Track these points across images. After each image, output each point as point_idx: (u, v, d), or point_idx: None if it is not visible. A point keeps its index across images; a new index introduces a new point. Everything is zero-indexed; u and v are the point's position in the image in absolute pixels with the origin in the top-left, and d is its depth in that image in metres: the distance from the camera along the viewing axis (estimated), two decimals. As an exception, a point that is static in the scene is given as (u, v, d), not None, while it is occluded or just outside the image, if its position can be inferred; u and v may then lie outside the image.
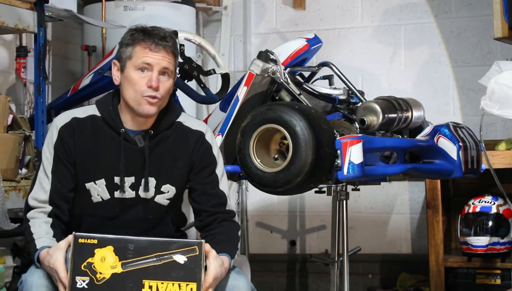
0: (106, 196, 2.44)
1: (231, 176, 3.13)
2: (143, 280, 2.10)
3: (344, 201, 3.38)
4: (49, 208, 2.40)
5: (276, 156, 2.86)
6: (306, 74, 3.42)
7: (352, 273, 3.56)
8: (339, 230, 3.40)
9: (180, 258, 2.13)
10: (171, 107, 2.52)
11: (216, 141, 2.58)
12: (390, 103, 3.09)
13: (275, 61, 3.06)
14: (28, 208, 2.42)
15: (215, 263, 2.23)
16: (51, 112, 3.67)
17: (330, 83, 3.30)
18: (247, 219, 4.96)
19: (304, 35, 3.38)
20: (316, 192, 3.32)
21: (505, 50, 4.42)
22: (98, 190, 2.43)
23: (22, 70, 4.09)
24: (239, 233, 2.51)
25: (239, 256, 4.55)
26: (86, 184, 2.44)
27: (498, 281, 3.99)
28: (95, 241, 2.11)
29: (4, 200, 3.17)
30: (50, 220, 2.39)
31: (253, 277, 4.34)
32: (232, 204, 2.55)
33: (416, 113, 3.17)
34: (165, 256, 2.12)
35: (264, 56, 3.06)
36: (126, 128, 2.45)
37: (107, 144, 2.44)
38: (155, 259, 2.12)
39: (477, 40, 4.63)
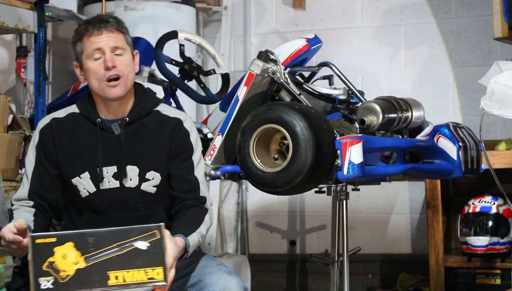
0: (92, 188, 2.46)
1: (231, 176, 3.14)
2: (108, 272, 2.06)
3: (344, 201, 3.37)
4: (31, 203, 2.46)
5: (276, 156, 2.86)
6: (306, 74, 3.41)
7: (352, 273, 3.55)
8: (339, 230, 3.40)
9: (142, 244, 2.08)
10: (148, 96, 2.56)
11: (195, 130, 2.60)
12: (390, 103, 3.09)
13: (275, 61, 3.06)
14: (12, 206, 2.49)
15: (169, 243, 2.17)
16: (51, 112, 3.67)
17: (330, 83, 3.30)
18: (247, 219, 4.96)
19: (304, 35, 3.38)
20: (316, 192, 3.32)
21: (505, 50, 4.42)
22: (83, 183, 2.46)
23: (22, 70, 4.09)
24: (206, 216, 2.49)
25: (239, 256, 4.55)
26: (72, 180, 2.47)
27: (498, 281, 3.99)
28: (54, 239, 2.06)
29: (4, 200, 3.17)
30: (34, 210, 2.45)
31: (253, 277, 4.34)
32: (205, 191, 2.55)
33: (416, 113, 3.17)
34: (127, 244, 2.08)
35: (264, 56, 3.06)
36: (103, 119, 2.49)
37: (86, 137, 2.48)
38: (117, 248, 2.07)
39: (477, 40, 4.63)
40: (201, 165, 2.58)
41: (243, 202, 4.94)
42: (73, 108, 2.54)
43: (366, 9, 4.87)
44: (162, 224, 2.12)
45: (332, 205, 3.45)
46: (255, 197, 4.95)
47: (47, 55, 4.24)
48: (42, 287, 2.03)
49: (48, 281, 2.03)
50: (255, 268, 4.50)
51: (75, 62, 2.51)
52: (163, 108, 2.57)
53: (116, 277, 2.06)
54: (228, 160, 3.15)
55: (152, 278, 2.07)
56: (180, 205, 2.50)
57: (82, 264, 2.05)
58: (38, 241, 2.05)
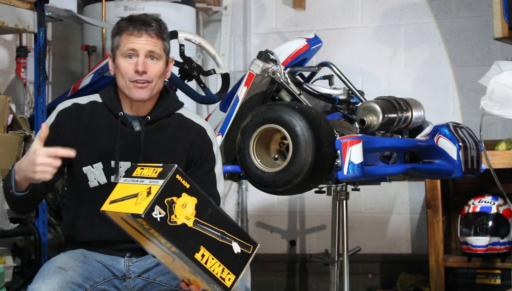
0: (103, 180, 2.44)
1: (231, 176, 3.13)
2: (201, 246, 2.06)
3: (344, 201, 3.37)
4: None
5: (276, 156, 2.86)
6: (306, 74, 3.42)
7: (352, 273, 3.56)
8: (339, 230, 3.40)
9: (236, 247, 2.11)
10: (172, 98, 2.55)
11: (216, 140, 2.59)
12: (390, 103, 3.09)
13: (275, 61, 3.06)
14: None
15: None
16: (51, 112, 3.67)
17: (330, 83, 3.30)
18: (247, 219, 4.96)
19: (304, 35, 3.38)
20: (316, 192, 3.32)
21: (505, 50, 4.42)
22: (95, 173, 2.44)
23: (22, 70, 4.09)
24: None
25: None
26: (83, 168, 2.44)
27: (498, 281, 3.99)
28: (188, 185, 2.06)
29: (4, 200, 3.17)
30: None
31: (253, 277, 4.34)
32: (223, 206, 2.55)
33: (416, 113, 3.17)
34: (227, 238, 2.10)
35: (264, 56, 3.06)
36: (125, 113, 2.48)
37: (105, 128, 2.46)
38: (219, 234, 2.09)
39: (477, 40, 4.63)
40: (222, 177, 2.56)
41: (243, 202, 4.94)
42: (96, 97, 2.52)
43: (366, 9, 4.87)
44: (258, 244, 2.16)
45: (332, 205, 3.45)
46: (255, 197, 4.95)
47: (47, 55, 4.24)
48: (153, 214, 2.00)
49: (160, 214, 2.01)
50: (255, 268, 4.49)
51: (110, 52, 2.50)
52: (185, 112, 2.56)
53: (203, 255, 2.07)
54: (228, 160, 3.15)
55: (222, 278, 2.09)
56: None
57: (190, 223, 2.05)
58: (178, 177, 2.05)
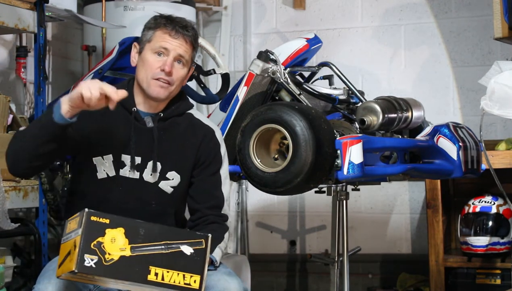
0: (112, 172, 2.46)
1: (231, 176, 3.13)
2: (150, 266, 2.07)
3: (344, 201, 3.37)
4: None
5: (276, 156, 2.86)
6: (306, 74, 3.41)
7: (352, 273, 3.55)
8: (339, 230, 3.40)
9: (187, 249, 2.11)
10: (184, 99, 2.59)
11: (224, 142, 2.62)
12: (390, 103, 3.09)
13: (275, 61, 3.06)
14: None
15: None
16: (51, 112, 3.67)
17: (330, 83, 3.30)
18: (247, 219, 4.96)
19: (304, 35, 3.38)
20: (316, 192, 3.32)
21: (505, 50, 4.42)
22: (105, 165, 2.46)
23: (22, 70, 4.09)
24: (226, 234, 2.52)
25: (239, 256, 4.55)
26: (93, 158, 2.46)
27: (498, 281, 3.99)
28: (107, 221, 2.05)
29: (4, 200, 3.18)
30: None
31: (253, 277, 4.33)
32: (227, 208, 2.58)
33: (416, 113, 3.17)
34: (173, 245, 2.10)
35: (264, 56, 3.06)
36: (138, 109, 2.50)
37: (117, 122, 2.48)
38: (163, 246, 2.09)
39: (477, 40, 4.63)
40: (228, 180, 2.59)
41: (243, 202, 4.94)
42: None
43: (366, 9, 4.87)
44: (210, 235, 2.15)
45: (332, 205, 3.45)
46: (255, 197, 4.95)
47: (47, 55, 4.24)
48: (86, 263, 2.01)
49: (92, 260, 2.01)
50: (255, 268, 4.49)
51: (136, 43, 2.52)
52: (195, 113, 2.60)
53: (156, 274, 2.07)
54: (228, 160, 3.15)
55: (188, 284, 2.10)
56: (201, 220, 2.50)
57: (127, 252, 2.05)
58: (93, 218, 2.04)
